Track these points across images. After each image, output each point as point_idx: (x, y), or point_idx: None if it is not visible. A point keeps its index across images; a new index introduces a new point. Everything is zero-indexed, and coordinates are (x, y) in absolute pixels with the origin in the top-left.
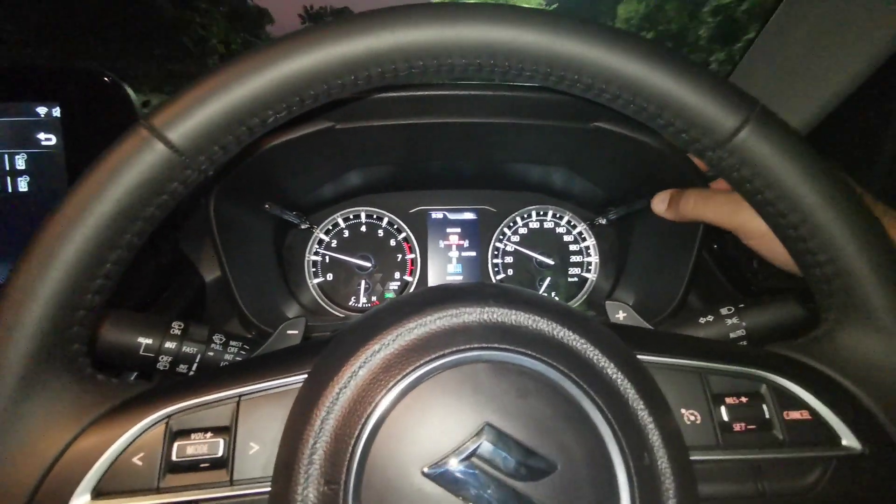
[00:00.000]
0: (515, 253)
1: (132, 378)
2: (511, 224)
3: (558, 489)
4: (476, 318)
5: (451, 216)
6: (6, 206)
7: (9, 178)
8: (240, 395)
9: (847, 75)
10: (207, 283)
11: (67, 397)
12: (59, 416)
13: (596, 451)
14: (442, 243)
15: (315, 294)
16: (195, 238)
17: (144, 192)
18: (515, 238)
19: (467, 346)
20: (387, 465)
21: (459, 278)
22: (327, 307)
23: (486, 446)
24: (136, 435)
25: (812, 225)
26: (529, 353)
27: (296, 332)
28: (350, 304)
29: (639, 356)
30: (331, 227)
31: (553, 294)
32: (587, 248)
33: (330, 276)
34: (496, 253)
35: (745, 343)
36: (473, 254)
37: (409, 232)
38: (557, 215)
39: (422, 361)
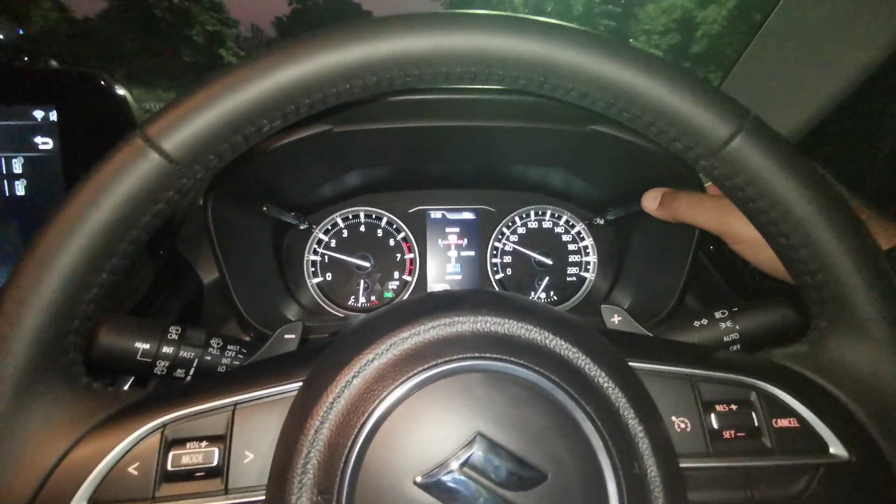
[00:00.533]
0: (514, 252)
1: (129, 383)
2: (510, 224)
3: (549, 498)
4: (469, 328)
5: (450, 216)
6: (3, 210)
7: (6, 182)
8: (235, 404)
9: (838, 82)
10: (205, 284)
11: (64, 407)
12: (56, 426)
13: (586, 460)
14: (441, 243)
15: (314, 294)
16: (193, 240)
17: (140, 202)
18: (514, 238)
19: (460, 356)
20: (380, 474)
21: (458, 278)
22: (326, 307)
23: (477, 456)
24: (132, 444)
25: (803, 234)
26: (521, 362)
27: (292, 336)
28: (349, 303)
29: (631, 363)
30: (330, 227)
31: (552, 293)
32: (585, 247)
33: (329, 276)
34: (495, 252)
35: (738, 346)
36: (472, 253)
37: (408, 232)
38: (556, 215)
39: (415, 371)
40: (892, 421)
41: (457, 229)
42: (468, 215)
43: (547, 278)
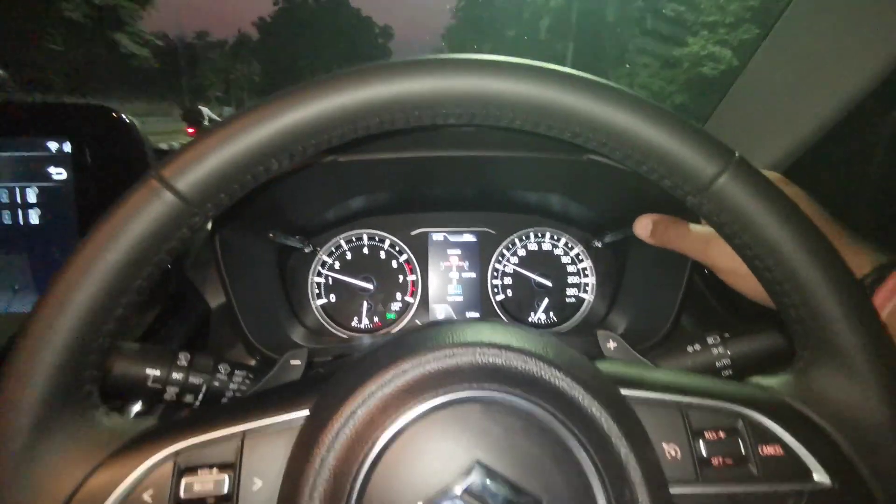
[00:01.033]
0: (514, 274)
1: (136, 406)
2: (510, 246)
3: None
4: (468, 360)
5: (452, 238)
6: (18, 238)
7: (20, 211)
8: (244, 433)
9: (824, 113)
10: (213, 309)
11: (80, 437)
12: (73, 456)
13: (579, 487)
14: (442, 265)
15: (318, 315)
16: (200, 266)
17: (154, 240)
18: (514, 259)
19: (459, 387)
20: (383, 501)
21: (460, 299)
22: (331, 328)
23: (476, 483)
24: (146, 472)
25: (785, 268)
26: (518, 393)
27: (298, 362)
28: (353, 324)
29: (623, 391)
30: (333, 250)
31: (551, 314)
32: (584, 269)
33: (333, 298)
34: (496, 274)
35: (730, 371)
36: (473, 275)
37: (411, 253)
38: (555, 237)
39: (416, 402)
40: (873, 449)
41: (458, 251)
42: (469, 237)
43: (546, 299)
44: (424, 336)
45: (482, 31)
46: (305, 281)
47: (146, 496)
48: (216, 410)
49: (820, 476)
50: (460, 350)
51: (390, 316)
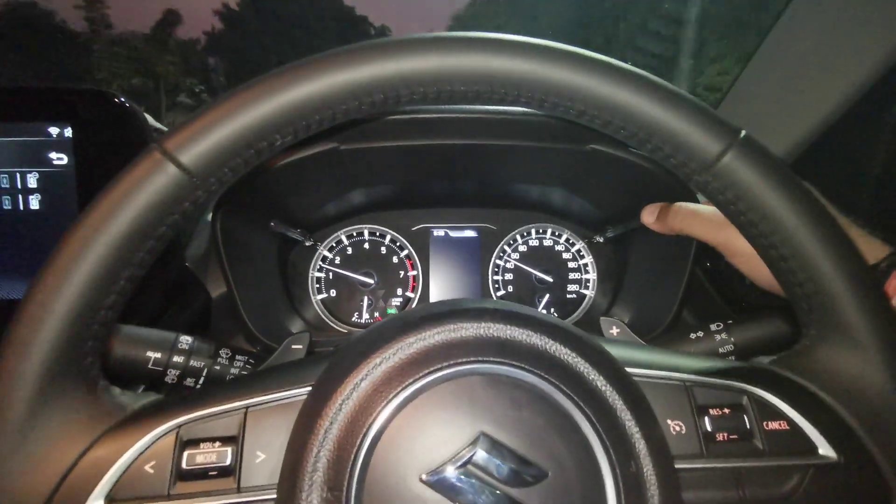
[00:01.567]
0: (516, 270)
1: (140, 390)
2: (511, 242)
3: (549, 495)
4: (473, 333)
5: (453, 234)
6: (19, 224)
7: (21, 196)
8: (247, 407)
9: (834, 101)
10: (213, 298)
11: (81, 408)
12: (74, 427)
13: (585, 460)
14: (444, 260)
15: (318, 310)
16: (201, 255)
17: (157, 212)
18: (515, 255)
19: (464, 360)
20: (387, 472)
21: (461, 296)
22: (331, 323)
23: (480, 454)
24: (148, 444)
25: (792, 245)
26: (523, 366)
27: (300, 346)
28: (353, 319)
29: (628, 370)
30: (334, 244)
31: (552, 310)
32: (585, 265)
33: (333, 293)
34: (497, 270)
35: (733, 357)
36: (474, 271)
37: (412, 249)
38: (556, 233)
39: (420, 374)
40: (879, 423)
41: (459, 247)
42: (470, 233)
43: (548, 295)
44: (429, 311)
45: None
46: (306, 275)
47: (148, 467)
48: (219, 386)
49: (826, 450)
50: (466, 323)
51: (391, 311)
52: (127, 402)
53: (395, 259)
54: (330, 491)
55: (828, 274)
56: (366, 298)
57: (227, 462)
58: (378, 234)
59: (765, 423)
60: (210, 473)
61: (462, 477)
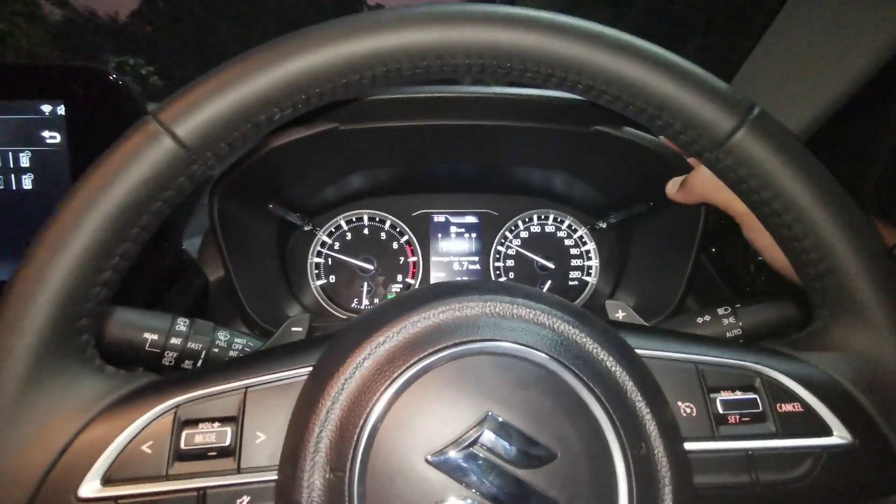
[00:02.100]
0: (517, 256)
1: (139, 372)
2: (513, 227)
3: (557, 476)
4: (479, 312)
5: (454, 219)
6: (10, 204)
7: (13, 176)
8: (246, 387)
9: (848, 78)
10: (211, 282)
11: (77, 387)
12: (69, 406)
13: (594, 441)
14: (444, 246)
15: (317, 296)
16: (199, 238)
17: (152, 186)
18: (517, 241)
19: (470, 339)
20: (391, 452)
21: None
22: (329, 309)
23: (487, 435)
24: (146, 424)
25: (805, 224)
26: (530, 345)
27: (300, 329)
28: (352, 306)
29: (637, 351)
30: (333, 230)
31: None
32: (588, 251)
33: (332, 278)
34: (498, 256)
35: (741, 342)
36: (475, 257)
37: (412, 235)
38: (558, 219)
39: (425, 353)
40: (894, 405)
41: (460, 233)
42: (471, 219)
43: (549, 282)
44: (435, 290)
45: None
46: (305, 261)
47: (145, 447)
48: (218, 366)
49: (840, 433)
50: (472, 302)
51: (391, 297)
52: (124, 381)
53: (395, 245)
54: (332, 472)
55: (842, 253)
56: (365, 284)
57: (227, 442)
58: (378, 219)
59: (778, 405)
60: (209, 454)
61: (468, 457)
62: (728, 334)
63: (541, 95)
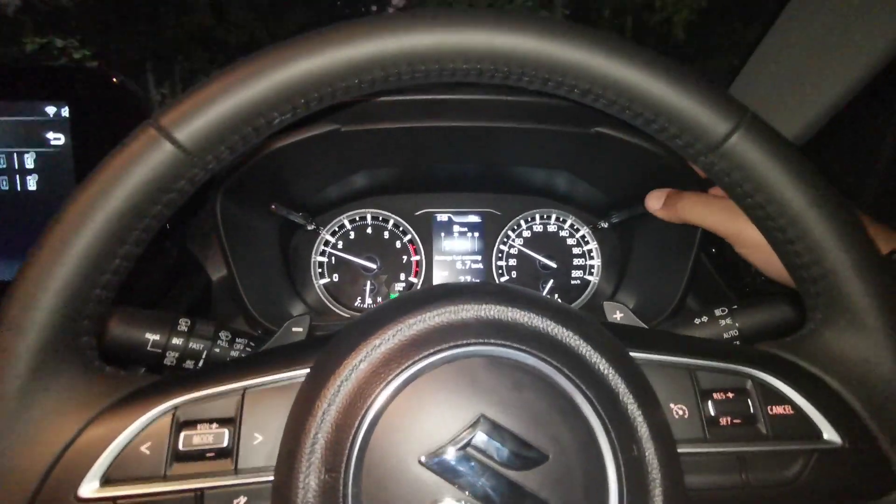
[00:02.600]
0: (520, 255)
1: (140, 372)
2: (515, 227)
3: (550, 478)
4: (474, 315)
5: (457, 219)
6: (15, 204)
7: (18, 177)
8: (244, 388)
9: (847, 83)
10: (213, 281)
11: (77, 388)
12: (69, 406)
13: (586, 443)
14: (447, 245)
15: (321, 294)
16: (202, 237)
17: (152, 190)
18: (519, 241)
19: (464, 342)
20: (385, 454)
21: (464, 280)
22: (333, 307)
23: (480, 437)
24: (144, 425)
25: (799, 228)
26: (524, 348)
27: (300, 329)
28: (355, 304)
29: (631, 353)
30: (337, 229)
31: (556, 296)
32: (590, 251)
33: (335, 277)
34: (500, 255)
35: (737, 342)
36: (478, 256)
37: (415, 234)
38: (561, 219)
39: (420, 356)
40: (885, 407)
41: (463, 232)
42: (474, 218)
43: (551, 281)
44: (430, 293)
45: None
46: (308, 260)
47: (144, 448)
48: (216, 368)
49: (830, 435)
50: (467, 305)
51: (393, 297)
52: (123, 382)
53: (397, 244)
54: (328, 472)
55: (835, 257)
56: (368, 283)
57: (225, 443)
58: (381, 218)
59: (769, 408)
60: (207, 455)
61: (461, 459)
62: (725, 335)
63: (541, 97)
